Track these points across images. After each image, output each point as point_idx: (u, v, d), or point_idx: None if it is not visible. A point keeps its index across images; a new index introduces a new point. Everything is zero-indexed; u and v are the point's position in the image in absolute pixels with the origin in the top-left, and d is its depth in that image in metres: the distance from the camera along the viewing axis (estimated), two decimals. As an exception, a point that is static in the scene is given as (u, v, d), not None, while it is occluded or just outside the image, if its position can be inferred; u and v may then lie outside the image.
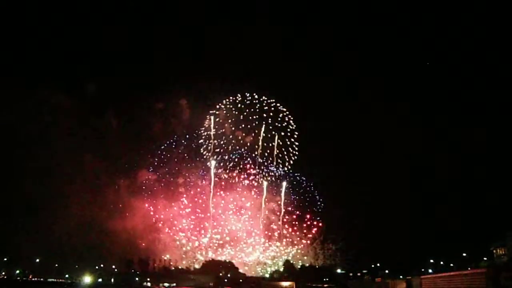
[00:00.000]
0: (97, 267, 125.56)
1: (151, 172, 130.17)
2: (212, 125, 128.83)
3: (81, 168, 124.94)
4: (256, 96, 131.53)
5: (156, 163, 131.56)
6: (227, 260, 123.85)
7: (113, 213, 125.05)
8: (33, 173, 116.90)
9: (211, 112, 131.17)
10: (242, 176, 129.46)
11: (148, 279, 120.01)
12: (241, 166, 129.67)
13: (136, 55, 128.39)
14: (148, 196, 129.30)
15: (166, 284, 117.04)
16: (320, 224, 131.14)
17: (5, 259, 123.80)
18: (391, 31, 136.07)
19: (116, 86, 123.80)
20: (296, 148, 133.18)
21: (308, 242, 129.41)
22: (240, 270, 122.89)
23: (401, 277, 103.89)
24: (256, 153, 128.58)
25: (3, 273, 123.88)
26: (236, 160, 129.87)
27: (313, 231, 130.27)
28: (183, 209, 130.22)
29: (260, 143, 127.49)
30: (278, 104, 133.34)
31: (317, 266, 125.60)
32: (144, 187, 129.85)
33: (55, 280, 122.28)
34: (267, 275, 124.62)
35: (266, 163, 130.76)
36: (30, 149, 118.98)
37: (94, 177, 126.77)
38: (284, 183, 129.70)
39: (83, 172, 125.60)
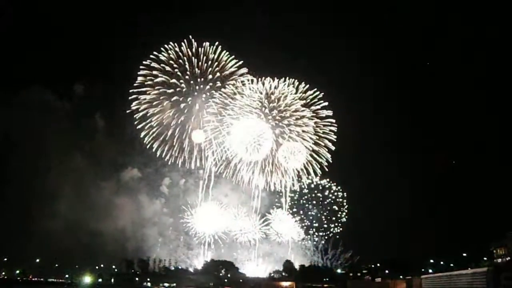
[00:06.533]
0: (97, 267, 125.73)
1: (136, 171, 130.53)
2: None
3: (68, 168, 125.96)
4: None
5: (142, 163, 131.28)
6: (227, 260, 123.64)
7: (99, 212, 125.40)
8: (22, 172, 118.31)
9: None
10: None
11: (148, 279, 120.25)
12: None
13: (126, 54, 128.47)
14: (132, 194, 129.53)
15: (166, 284, 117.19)
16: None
17: (5, 259, 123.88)
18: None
19: (104, 86, 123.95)
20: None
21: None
22: (240, 270, 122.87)
23: (401, 277, 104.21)
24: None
25: (3, 273, 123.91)
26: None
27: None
28: (166, 206, 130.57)
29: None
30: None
31: (316, 265, 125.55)
32: (128, 186, 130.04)
33: (55, 280, 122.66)
34: (267, 275, 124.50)
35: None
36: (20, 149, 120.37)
37: (81, 176, 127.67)
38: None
39: (71, 172, 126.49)
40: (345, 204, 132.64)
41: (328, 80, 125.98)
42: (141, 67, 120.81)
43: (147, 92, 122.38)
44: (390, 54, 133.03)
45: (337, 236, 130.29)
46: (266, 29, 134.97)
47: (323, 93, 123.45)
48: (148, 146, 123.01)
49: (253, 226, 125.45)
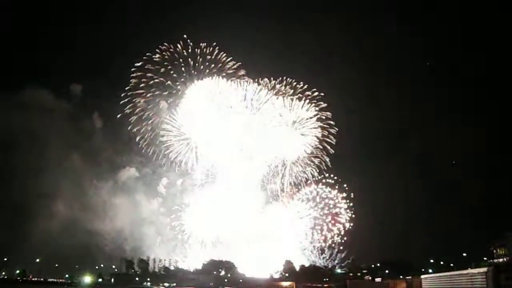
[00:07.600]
0: (97, 267, 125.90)
1: (134, 171, 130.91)
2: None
3: (66, 168, 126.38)
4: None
5: (140, 162, 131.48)
6: (227, 260, 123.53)
7: (98, 212, 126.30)
8: (21, 172, 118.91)
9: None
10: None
11: (148, 279, 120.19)
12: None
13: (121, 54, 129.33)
14: (130, 194, 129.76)
15: (166, 284, 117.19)
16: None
17: (5, 259, 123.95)
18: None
19: (102, 87, 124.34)
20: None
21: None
22: (240, 270, 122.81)
23: (401, 277, 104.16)
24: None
25: (3, 273, 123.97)
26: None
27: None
28: (163, 206, 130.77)
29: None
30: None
31: (316, 265, 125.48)
32: (126, 186, 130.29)
33: (55, 280, 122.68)
34: (267, 275, 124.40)
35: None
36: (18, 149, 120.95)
37: (79, 177, 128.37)
38: None
39: (68, 172, 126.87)
40: (352, 208, 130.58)
41: (328, 81, 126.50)
42: (133, 69, 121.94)
43: (142, 94, 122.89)
44: (390, 54, 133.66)
45: (337, 238, 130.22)
46: (266, 29, 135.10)
47: (322, 94, 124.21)
48: (144, 150, 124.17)
49: (252, 226, 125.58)
